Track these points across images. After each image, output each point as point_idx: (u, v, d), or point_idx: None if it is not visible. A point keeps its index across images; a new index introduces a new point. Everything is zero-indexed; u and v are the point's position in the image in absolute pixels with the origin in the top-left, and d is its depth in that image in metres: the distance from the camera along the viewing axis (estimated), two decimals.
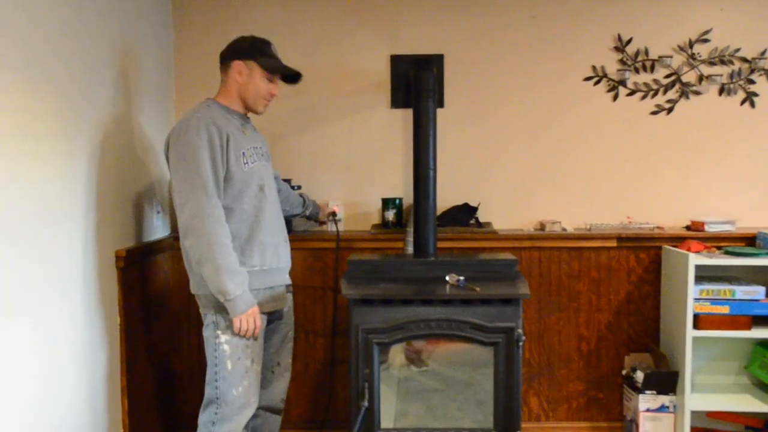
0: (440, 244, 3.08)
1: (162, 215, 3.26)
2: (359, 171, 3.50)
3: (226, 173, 2.46)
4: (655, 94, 3.40)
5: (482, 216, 3.43)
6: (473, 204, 3.41)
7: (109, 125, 2.72)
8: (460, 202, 3.41)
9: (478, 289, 2.61)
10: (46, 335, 2.22)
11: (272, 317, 2.66)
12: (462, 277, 2.70)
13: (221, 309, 2.45)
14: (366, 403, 2.55)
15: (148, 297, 3.05)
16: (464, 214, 3.38)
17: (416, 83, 3.01)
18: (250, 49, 2.59)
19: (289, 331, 2.79)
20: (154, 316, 3.12)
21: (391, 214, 3.37)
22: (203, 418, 2.53)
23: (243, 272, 2.42)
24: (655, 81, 3.40)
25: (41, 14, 2.20)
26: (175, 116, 3.45)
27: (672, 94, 3.40)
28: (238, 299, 2.38)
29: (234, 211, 2.48)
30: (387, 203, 3.38)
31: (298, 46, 3.42)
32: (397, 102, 3.45)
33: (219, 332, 2.49)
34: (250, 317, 2.42)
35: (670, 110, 3.40)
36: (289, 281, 2.74)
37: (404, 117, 3.43)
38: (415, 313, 2.58)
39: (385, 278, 2.77)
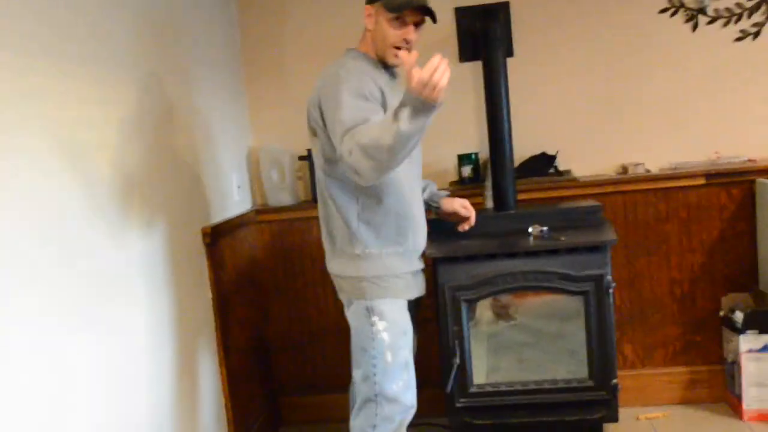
0: (520, 197, 3.04)
1: (241, 190, 3.32)
2: (432, 128, 3.31)
3: None
4: (739, 19, 3.20)
5: (561, 164, 3.34)
6: (551, 153, 3.32)
7: (184, 105, 2.78)
8: (537, 152, 3.33)
9: (563, 238, 2.56)
10: (150, 316, 2.31)
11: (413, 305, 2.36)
12: (545, 228, 2.66)
13: (375, 293, 2.20)
14: (458, 360, 2.56)
15: (237, 270, 3.13)
16: (542, 163, 3.31)
17: (484, 35, 2.95)
18: None
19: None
20: (243, 288, 3.21)
21: (467, 170, 3.33)
22: (359, 422, 2.24)
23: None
24: (738, 5, 3.19)
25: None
26: (246, 93, 3.49)
27: (758, 16, 3.18)
28: (413, 106, 1.75)
29: (390, 181, 2.17)
30: (463, 159, 3.34)
31: (358, 14, 3.38)
32: (465, 55, 3.37)
33: (375, 318, 2.19)
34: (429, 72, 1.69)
35: (756, 35, 3.19)
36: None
37: (474, 69, 3.35)
38: (500, 267, 2.56)
39: (467, 234, 2.75)
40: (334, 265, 2.31)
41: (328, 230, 2.29)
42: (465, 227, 2.54)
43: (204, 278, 2.82)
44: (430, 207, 2.56)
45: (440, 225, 2.65)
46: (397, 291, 2.24)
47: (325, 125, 2.11)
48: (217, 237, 2.90)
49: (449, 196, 2.60)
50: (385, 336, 2.18)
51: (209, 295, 2.84)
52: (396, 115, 1.76)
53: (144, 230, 2.35)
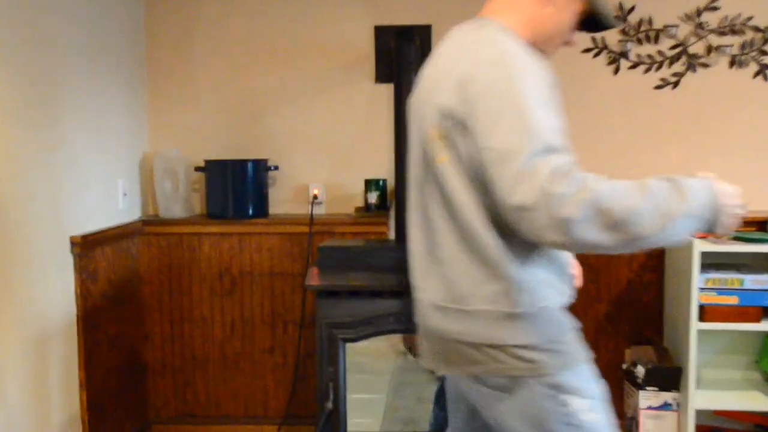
0: None
1: (128, 198, 3.07)
2: (342, 150, 3.29)
3: None
4: (660, 66, 3.14)
5: None
6: None
7: (76, 104, 2.55)
8: None
9: None
10: None
11: None
12: None
13: (561, 363, 1.51)
14: (330, 405, 2.35)
15: (112, 284, 2.88)
16: None
17: (397, 56, 2.80)
18: None
19: None
20: (119, 305, 2.95)
21: (374, 197, 3.17)
22: None
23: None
24: (660, 53, 3.13)
25: None
26: (146, 95, 3.26)
27: (678, 66, 3.13)
28: (698, 201, 1.39)
29: None
30: (370, 185, 3.18)
31: (276, 17, 3.22)
32: (382, 76, 3.23)
33: (570, 397, 1.50)
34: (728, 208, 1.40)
35: (675, 84, 3.14)
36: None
37: (389, 92, 3.18)
38: (384, 306, 2.38)
39: (360, 267, 2.57)
40: (459, 326, 1.53)
41: (448, 274, 1.53)
42: None
43: (69, 291, 2.57)
44: None
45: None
46: (581, 352, 1.57)
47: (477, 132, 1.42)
48: (90, 247, 2.66)
49: None
50: (593, 417, 1.53)
51: (73, 310, 2.59)
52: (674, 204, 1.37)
53: (9, 231, 2.12)
